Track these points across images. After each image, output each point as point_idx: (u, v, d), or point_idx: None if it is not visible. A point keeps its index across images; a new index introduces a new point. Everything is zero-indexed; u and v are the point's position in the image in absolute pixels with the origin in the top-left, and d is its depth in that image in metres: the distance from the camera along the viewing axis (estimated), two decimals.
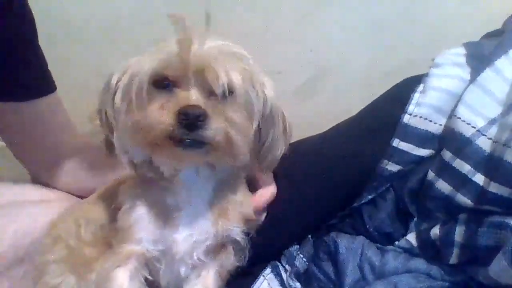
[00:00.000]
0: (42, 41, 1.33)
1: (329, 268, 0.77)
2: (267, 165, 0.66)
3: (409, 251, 0.74)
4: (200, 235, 0.64)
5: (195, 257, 0.65)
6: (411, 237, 0.74)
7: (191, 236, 0.64)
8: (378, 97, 0.81)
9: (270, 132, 0.63)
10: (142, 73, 0.55)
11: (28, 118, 0.77)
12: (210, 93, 0.56)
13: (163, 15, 1.23)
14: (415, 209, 0.75)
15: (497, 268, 0.58)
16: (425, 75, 0.74)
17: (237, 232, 0.66)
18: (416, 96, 0.73)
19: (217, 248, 0.67)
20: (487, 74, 0.68)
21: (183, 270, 0.66)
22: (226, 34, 1.26)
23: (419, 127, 0.72)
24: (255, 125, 0.60)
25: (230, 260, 0.68)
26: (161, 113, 0.53)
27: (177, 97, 0.55)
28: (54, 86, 0.81)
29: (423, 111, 0.72)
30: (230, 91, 0.56)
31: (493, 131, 0.63)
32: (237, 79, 0.55)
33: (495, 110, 0.65)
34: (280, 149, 0.65)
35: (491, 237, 0.61)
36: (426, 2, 1.09)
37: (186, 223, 0.64)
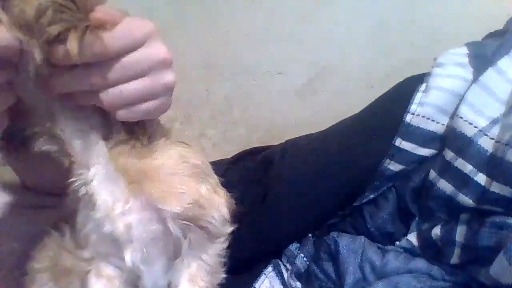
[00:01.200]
0: None
1: (329, 267, 0.77)
2: None
3: (410, 251, 0.74)
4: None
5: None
6: (412, 237, 0.74)
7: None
8: (380, 96, 0.81)
9: None
10: None
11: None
12: None
13: (163, 15, 1.23)
14: (416, 208, 0.75)
15: (499, 268, 0.58)
16: (428, 74, 0.74)
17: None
18: (419, 95, 0.73)
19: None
20: (490, 74, 0.68)
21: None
22: (226, 34, 1.27)
23: (421, 126, 0.72)
24: None
25: None
26: None
27: None
28: None
29: (426, 111, 0.72)
30: None
31: (495, 131, 0.63)
32: None
33: (497, 110, 0.65)
34: None
35: (492, 237, 0.61)
36: (426, 2, 1.09)
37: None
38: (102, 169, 0.52)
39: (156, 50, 0.48)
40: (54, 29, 0.40)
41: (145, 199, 0.53)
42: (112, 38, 0.43)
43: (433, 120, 0.71)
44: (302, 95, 1.23)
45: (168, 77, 0.50)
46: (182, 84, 1.34)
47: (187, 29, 1.23)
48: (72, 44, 0.40)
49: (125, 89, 0.45)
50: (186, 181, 0.55)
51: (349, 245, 0.76)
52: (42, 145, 0.52)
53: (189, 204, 0.54)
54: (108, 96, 0.45)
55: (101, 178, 0.52)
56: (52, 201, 0.78)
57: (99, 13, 0.42)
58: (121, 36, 0.44)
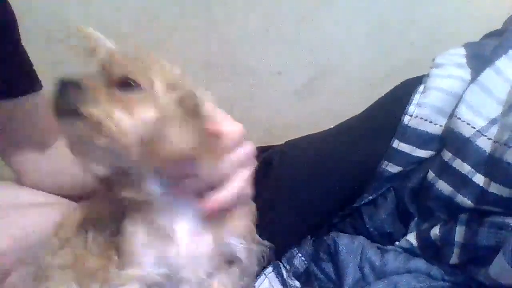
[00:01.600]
0: (42, 41, 1.33)
1: (329, 268, 0.77)
2: None
3: (409, 251, 0.74)
4: (202, 250, 0.62)
5: (200, 276, 0.62)
6: (411, 237, 0.74)
7: (192, 253, 0.61)
8: (379, 98, 0.81)
9: None
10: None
11: (9, 116, 0.75)
12: None
13: (163, 15, 1.23)
14: (415, 209, 0.75)
15: (498, 268, 0.58)
16: (426, 75, 0.74)
17: (237, 246, 0.61)
18: (417, 96, 0.73)
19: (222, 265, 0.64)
20: (488, 74, 0.68)
21: None
22: (226, 34, 1.26)
23: (419, 128, 0.72)
24: None
25: (233, 279, 0.63)
26: None
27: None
28: (39, 85, 0.77)
29: (424, 112, 0.72)
30: None
31: (493, 131, 0.63)
32: None
33: (495, 110, 0.65)
34: None
35: (491, 237, 0.61)
36: (426, 2, 1.09)
37: (185, 241, 0.62)
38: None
39: (249, 149, 0.57)
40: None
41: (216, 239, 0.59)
42: (228, 148, 0.54)
43: (430, 122, 0.71)
44: (302, 95, 1.23)
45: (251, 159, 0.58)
46: None
47: (187, 29, 1.23)
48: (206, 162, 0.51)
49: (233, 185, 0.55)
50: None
51: (349, 245, 0.76)
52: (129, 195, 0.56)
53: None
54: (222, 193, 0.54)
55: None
56: (47, 199, 0.80)
57: (213, 125, 0.54)
58: (234, 145, 0.55)
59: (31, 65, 0.78)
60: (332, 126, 0.85)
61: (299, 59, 1.20)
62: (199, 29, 1.23)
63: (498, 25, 0.82)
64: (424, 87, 0.73)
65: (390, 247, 0.76)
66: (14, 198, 0.79)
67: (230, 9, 1.19)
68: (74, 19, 1.29)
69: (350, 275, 0.74)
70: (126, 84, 0.50)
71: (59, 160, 0.73)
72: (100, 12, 1.26)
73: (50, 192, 0.80)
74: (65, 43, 1.32)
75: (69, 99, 0.48)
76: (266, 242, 0.65)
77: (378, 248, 0.76)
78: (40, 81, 0.80)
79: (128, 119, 0.48)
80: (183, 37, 1.25)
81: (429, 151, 0.73)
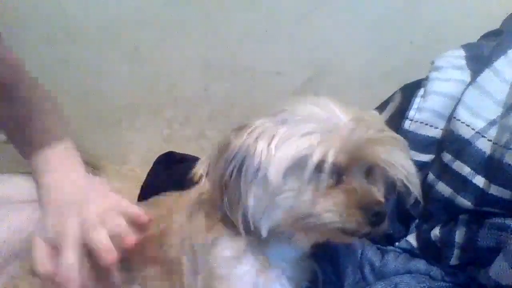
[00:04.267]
0: (42, 41, 1.33)
1: (329, 268, 0.77)
2: None
3: (409, 252, 0.74)
4: None
5: None
6: (412, 238, 0.74)
7: None
8: (380, 105, 0.81)
9: None
10: (313, 158, 0.53)
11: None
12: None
13: (163, 15, 1.24)
14: (415, 210, 0.75)
15: (498, 269, 0.58)
16: (425, 79, 0.74)
17: None
18: (417, 101, 0.73)
19: None
20: (487, 75, 0.67)
21: None
22: (226, 34, 1.26)
23: (419, 132, 0.72)
24: None
25: None
26: (338, 207, 0.54)
27: (355, 191, 0.55)
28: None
29: (424, 116, 0.72)
30: None
31: (492, 132, 0.63)
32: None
33: (494, 112, 0.64)
34: None
35: (491, 238, 0.61)
36: (426, 2, 1.09)
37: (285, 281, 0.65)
38: None
39: None
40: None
41: None
42: None
43: (431, 126, 0.71)
44: (301, 95, 1.23)
45: None
46: (181, 85, 1.35)
47: (186, 30, 1.24)
48: None
49: None
50: None
51: (349, 246, 0.76)
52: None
53: None
54: None
55: None
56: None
57: None
58: None
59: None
60: None
61: (298, 59, 1.20)
62: (198, 30, 1.23)
63: (498, 25, 0.82)
64: (424, 91, 0.73)
65: (390, 247, 0.76)
66: (11, 192, 0.79)
67: (230, 9, 1.19)
68: (74, 19, 1.29)
69: (350, 275, 0.73)
70: None
71: None
72: (100, 12, 1.27)
73: None
74: (66, 43, 1.33)
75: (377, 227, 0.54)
76: None
77: (378, 248, 0.76)
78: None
79: None
80: (183, 38, 1.25)
81: (430, 155, 0.73)
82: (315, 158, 0.53)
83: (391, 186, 0.61)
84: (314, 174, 0.54)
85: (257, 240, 0.61)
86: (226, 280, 0.62)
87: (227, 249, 0.63)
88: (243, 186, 0.57)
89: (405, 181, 0.56)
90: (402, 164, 0.56)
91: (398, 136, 0.60)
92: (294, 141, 0.54)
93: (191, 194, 0.69)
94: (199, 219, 0.65)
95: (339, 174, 0.55)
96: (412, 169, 0.57)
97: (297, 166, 0.54)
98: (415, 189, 0.59)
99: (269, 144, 0.55)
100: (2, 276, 0.72)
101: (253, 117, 0.59)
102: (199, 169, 0.61)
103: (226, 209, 0.60)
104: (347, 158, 0.55)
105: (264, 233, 0.58)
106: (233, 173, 0.57)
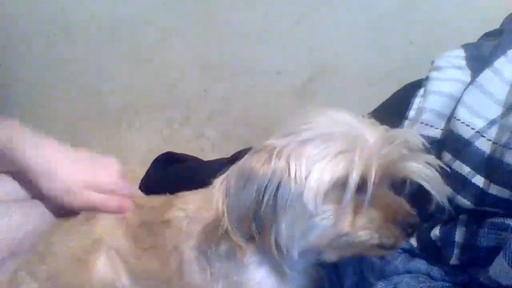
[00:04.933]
0: (42, 41, 1.33)
1: (328, 268, 0.77)
2: None
3: (409, 252, 0.74)
4: None
5: None
6: (412, 238, 0.74)
7: None
8: (381, 104, 0.81)
9: None
10: (353, 178, 0.53)
11: None
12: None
13: (163, 15, 1.24)
14: (415, 210, 0.75)
15: (498, 269, 0.57)
16: (426, 78, 0.74)
17: None
18: (417, 101, 0.73)
19: None
20: (486, 75, 0.67)
21: None
22: (226, 34, 1.26)
23: (420, 133, 0.72)
24: None
25: None
26: (374, 224, 0.54)
27: (388, 205, 0.55)
28: None
29: (424, 117, 0.72)
30: None
31: (492, 132, 0.63)
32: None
33: (494, 111, 0.64)
34: None
35: (491, 238, 0.61)
36: (426, 2, 1.09)
37: None
38: None
39: None
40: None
41: None
42: None
43: (431, 126, 0.71)
44: (301, 95, 1.23)
45: None
46: (181, 85, 1.35)
47: (185, 30, 1.24)
48: None
49: None
50: None
51: None
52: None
53: None
54: None
55: None
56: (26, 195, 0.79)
57: None
58: None
59: None
60: None
61: (298, 59, 1.20)
62: (198, 30, 1.23)
63: (498, 25, 0.82)
64: (424, 90, 0.73)
65: None
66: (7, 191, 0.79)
67: (230, 9, 1.19)
68: (74, 19, 1.29)
69: (350, 275, 0.73)
70: None
71: None
72: (100, 13, 1.27)
73: None
74: (66, 43, 1.33)
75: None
76: None
77: None
78: None
79: None
80: (182, 38, 1.25)
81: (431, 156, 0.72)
82: (356, 177, 0.52)
83: (391, 187, 0.61)
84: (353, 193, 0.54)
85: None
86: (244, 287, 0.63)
87: (246, 257, 0.63)
88: (279, 212, 0.56)
89: (433, 192, 0.57)
90: (431, 176, 0.57)
91: (422, 149, 0.60)
92: (329, 162, 0.53)
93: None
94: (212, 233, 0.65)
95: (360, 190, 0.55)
96: (440, 180, 0.58)
97: (334, 187, 0.54)
98: (443, 198, 0.60)
99: (301, 166, 0.54)
100: (1, 274, 0.72)
101: (259, 136, 0.59)
102: (219, 199, 0.59)
103: (255, 235, 0.59)
104: (381, 174, 0.55)
105: (295, 255, 0.58)
106: (269, 200, 0.55)
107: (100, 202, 0.70)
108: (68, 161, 0.72)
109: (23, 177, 0.75)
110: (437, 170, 0.58)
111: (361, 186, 0.54)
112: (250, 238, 0.60)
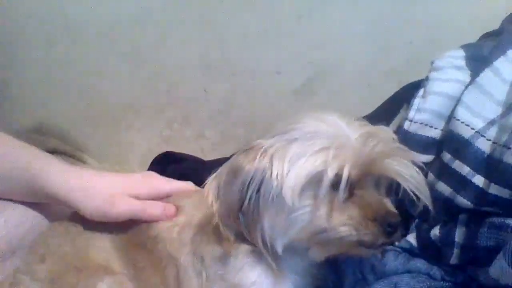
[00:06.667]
0: (42, 41, 1.33)
1: (328, 268, 0.77)
2: None
3: (409, 252, 0.74)
4: None
5: None
6: (411, 238, 0.74)
7: None
8: (381, 105, 0.81)
9: None
10: (328, 174, 0.54)
11: None
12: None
13: (163, 15, 1.23)
14: (415, 210, 0.75)
15: (498, 268, 0.57)
16: (425, 79, 0.74)
17: None
18: (417, 101, 0.73)
19: None
20: (486, 75, 0.67)
21: None
22: (226, 34, 1.26)
23: (419, 133, 0.72)
24: None
25: None
26: (353, 221, 0.55)
27: (368, 203, 0.56)
28: None
29: (424, 117, 0.72)
30: None
31: (492, 132, 0.63)
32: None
33: (494, 111, 0.64)
34: None
35: (491, 238, 0.61)
36: (426, 2, 1.09)
37: None
38: None
39: None
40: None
41: None
42: None
43: (431, 126, 0.71)
44: (301, 95, 1.23)
45: None
46: (181, 85, 1.35)
47: (185, 30, 1.24)
48: None
49: None
50: None
51: None
52: None
53: None
54: None
55: None
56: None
57: None
58: None
59: None
60: None
61: (298, 59, 1.20)
62: (198, 30, 1.23)
63: (498, 25, 0.82)
64: (424, 91, 0.73)
65: (390, 247, 0.76)
66: None
67: (229, 9, 1.19)
68: (74, 19, 1.29)
69: (350, 275, 0.73)
70: None
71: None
72: (99, 13, 1.27)
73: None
74: (66, 43, 1.33)
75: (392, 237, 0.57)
76: None
77: None
78: None
79: None
80: (182, 38, 1.25)
81: (430, 156, 0.73)
82: (330, 174, 0.53)
83: (390, 187, 0.61)
84: (328, 189, 0.55)
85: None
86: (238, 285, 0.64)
87: (241, 258, 0.64)
88: (262, 208, 0.57)
89: (416, 192, 0.58)
90: (412, 175, 0.57)
91: (406, 148, 0.61)
92: (308, 159, 0.55)
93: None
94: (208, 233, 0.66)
95: (350, 187, 0.56)
96: (422, 180, 0.58)
97: (311, 183, 0.55)
98: (426, 199, 0.60)
99: (283, 164, 0.55)
100: (1, 273, 0.72)
101: (260, 137, 0.60)
102: (210, 193, 0.61)
103: (243, 230, 0.60)
104: (360, 172, 0.55)
105: (279, 250, 0.59)
106: (252, 196, 0.57)
107: (141, 208, 0.70)
108: (103, 175, 0.73)
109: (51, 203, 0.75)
110: (421, 169, 0.59)
111: (339, 183, 0.55)
112: (243, 238, 0.61)
